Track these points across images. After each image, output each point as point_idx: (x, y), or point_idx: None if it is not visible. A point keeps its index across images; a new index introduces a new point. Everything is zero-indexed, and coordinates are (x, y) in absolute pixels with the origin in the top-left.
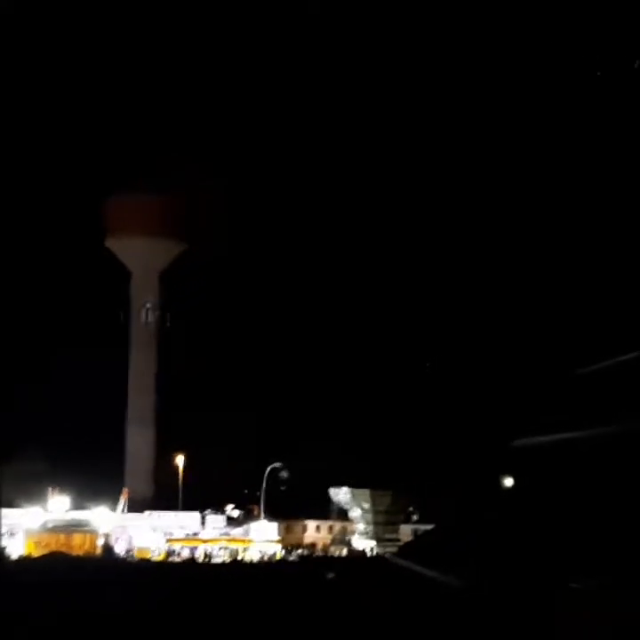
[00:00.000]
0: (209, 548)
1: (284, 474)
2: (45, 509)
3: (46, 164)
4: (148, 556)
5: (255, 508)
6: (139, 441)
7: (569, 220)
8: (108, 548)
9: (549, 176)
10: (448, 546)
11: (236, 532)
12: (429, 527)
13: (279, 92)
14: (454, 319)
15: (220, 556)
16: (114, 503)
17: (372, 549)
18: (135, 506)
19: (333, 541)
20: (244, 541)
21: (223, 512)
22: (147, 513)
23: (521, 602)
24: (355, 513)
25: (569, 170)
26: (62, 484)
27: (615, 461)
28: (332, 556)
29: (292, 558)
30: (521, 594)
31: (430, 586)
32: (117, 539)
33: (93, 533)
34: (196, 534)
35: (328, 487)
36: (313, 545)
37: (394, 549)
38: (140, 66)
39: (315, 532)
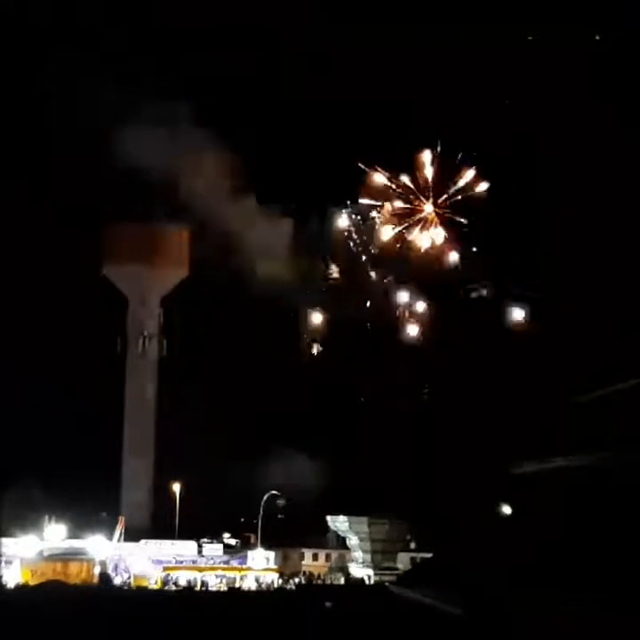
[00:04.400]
0: (206, 576)
1: (281, 502)
2: (42, 538)
3: (43, 191)
4: (145, 585)
5: (252, 536)
6: (135, 469)
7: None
8: (104, 577)
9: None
10: (447, 574)
11: (234, 560)
12: (427, 555)
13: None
14: (452, 347)
15: (217, 585)
16: (110, 532)
17: (369, 578)
18: (132, 534)
19: (331, 570)
20: (241, 570)
21: (220, 540)
22: (143, 541)
23: (519, 628)
24: (352, 541)
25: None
26: (58, 512)
27: (611, 488)
28: (329, 585)
29: (289, 587)
30: (519, 620)
31: (430, 614)
32: (114, 567)
33: (90, 562)
34: (193, 562)
35: (325, 515)
36: (310, 573)
37: (392, 578)
38: (138, 88)
39: (312, 560)
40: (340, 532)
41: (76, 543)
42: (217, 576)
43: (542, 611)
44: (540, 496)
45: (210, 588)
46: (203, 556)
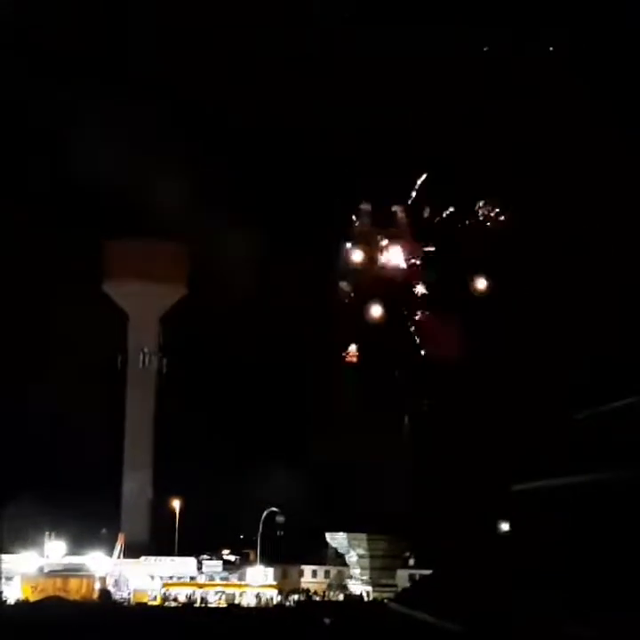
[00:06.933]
0: (205, 592)
1: (281, 519)
2: (42, 554)
3: (43, 207)
4: (145, 601)
5: (251, 552)
6: (135, 486)
7: (565, 270)
8: (104, 593)
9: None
10: (446, 591)
11: (233, 576)
12: (426, 572)
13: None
14: (453, 363)
15: (217, 601)
16: (110, 548)
17: (368, 594)
18: (132, 550)
19: (330, 586)
20: (240, 586)
21: (220, 557)
22: (143, 557)
23: None
24: (351, 558)
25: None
26: (59, 528)
27: (612, 507)
28: (328, 602)
29: (288, 603)
30: (520, 638)
31: (428, 631)
32: (114, 583)
33: (90, 578)
34: (192, 579)
35: (325, 532)
36: (309, 590)
37: (390, 594)
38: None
39: (311, 576)
40: (339, 549)
41: (76, 559)
42: (216, 592)
43: (544, 629)
44: (541, 514)
45: (209, 605)
46: (202, 573)
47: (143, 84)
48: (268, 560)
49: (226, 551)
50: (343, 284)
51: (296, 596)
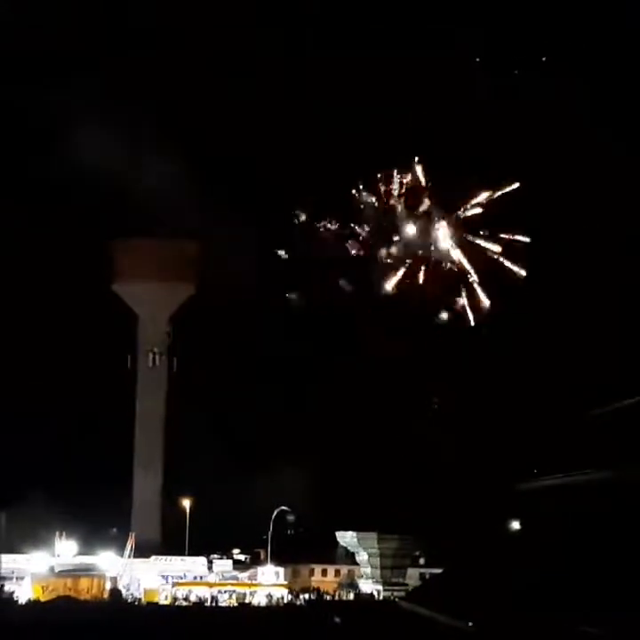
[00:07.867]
0: (216, 591)
1: (291, 517)
2: (53, 554)
3: (51, 207)
4: (156, 601)
5: (262, 551)
6: (146, 485)
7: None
8: (115, 593)
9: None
10: (457, 590)
11: (243, 575)
12: (436, 571)
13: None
14: (463, 363)
15: (228, 600)
16: (121, 548)
17: (379, 593)
18: (142, 550)
19: (340, 585)
20: (250, 585)
21: (230, 556)
22: (153, 557)
23: None
24: (361, 557)
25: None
26: (69, 528)
27: (620, 504)
28: (339, 601)
29: (299, 602)
30: (530, 638)
31: (439, 630)
32: (125, 583)
33: (101, 578)
34: (202, 578)
35: (335, 531)
36: (320, 589)
37: (401, 593)
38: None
39: (321, 575)
40: (349, 548)
41: (86, 559)
42: (227, 591)
43: (550, 629)
44: (549, 512)
45: (220, 604)
46: (213, 572)
47: (144, 83)
48: (278, 559)
49: (236, 550)
50: (342, 282)
51: (306, 595)
